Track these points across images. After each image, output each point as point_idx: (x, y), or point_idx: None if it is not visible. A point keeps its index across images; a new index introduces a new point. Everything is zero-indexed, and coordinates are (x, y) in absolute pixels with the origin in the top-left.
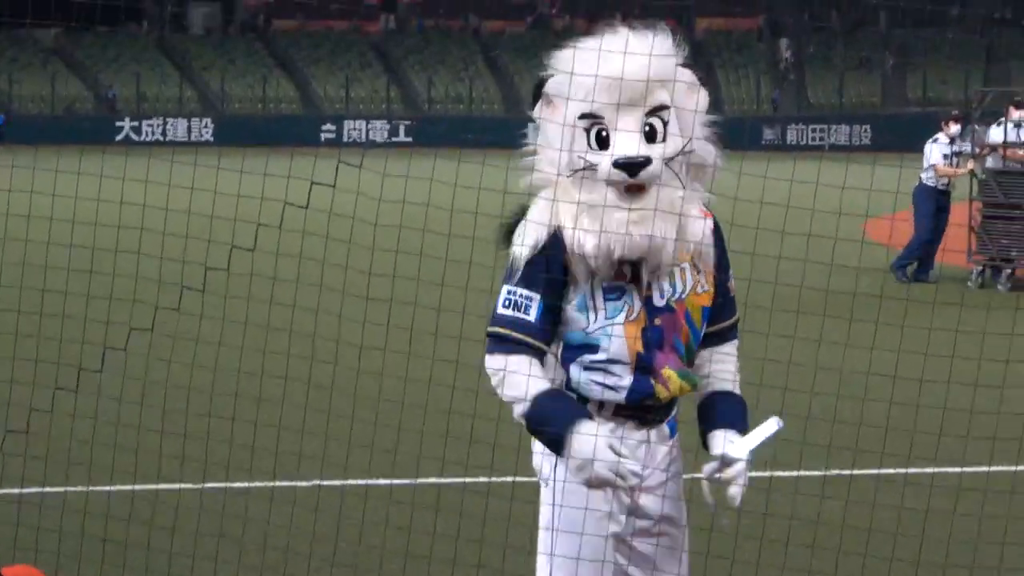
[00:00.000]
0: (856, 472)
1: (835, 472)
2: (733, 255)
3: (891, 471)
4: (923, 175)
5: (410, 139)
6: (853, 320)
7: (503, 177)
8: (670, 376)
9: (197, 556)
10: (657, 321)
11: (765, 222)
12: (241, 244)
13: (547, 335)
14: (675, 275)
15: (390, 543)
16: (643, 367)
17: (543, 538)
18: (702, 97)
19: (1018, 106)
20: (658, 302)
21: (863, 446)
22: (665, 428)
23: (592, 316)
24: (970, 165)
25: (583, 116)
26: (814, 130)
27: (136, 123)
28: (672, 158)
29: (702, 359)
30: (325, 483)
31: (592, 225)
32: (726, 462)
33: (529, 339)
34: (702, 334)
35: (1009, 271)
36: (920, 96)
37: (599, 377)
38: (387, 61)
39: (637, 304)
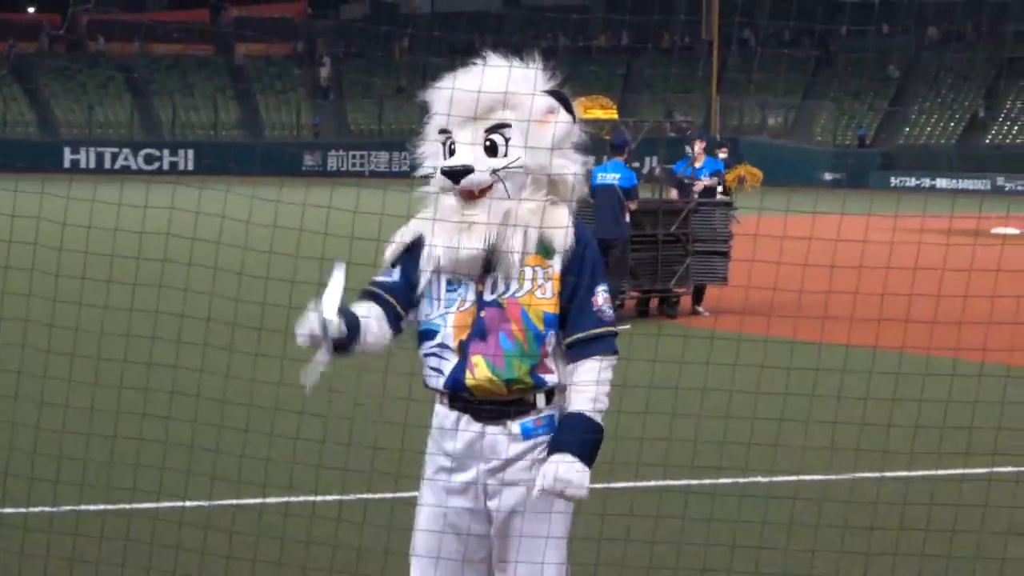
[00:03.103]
0: None
1: None
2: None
3: None
4: None
5: None
6: None
7: (37, 203)
8: (477, 363)
9: None
10: (483, 313)
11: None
12: None
13: (397, 292)
14: (519, 275)
15: None
16: (463, 354)
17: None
18: (559, 125)
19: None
20: (488, 296)
21: None
22: (515, 428)
23: (434, 304)
24: None
25: (440, 131)
26: (354, 156)
27: None
28: (501, 169)
29: (568, 372)
30: None
31: (437, 233)
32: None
33: (379, 290)
34: (545, 336)
35: (618, 303)
36: None
37: (433, 362)
38: None
39: (470, 297)
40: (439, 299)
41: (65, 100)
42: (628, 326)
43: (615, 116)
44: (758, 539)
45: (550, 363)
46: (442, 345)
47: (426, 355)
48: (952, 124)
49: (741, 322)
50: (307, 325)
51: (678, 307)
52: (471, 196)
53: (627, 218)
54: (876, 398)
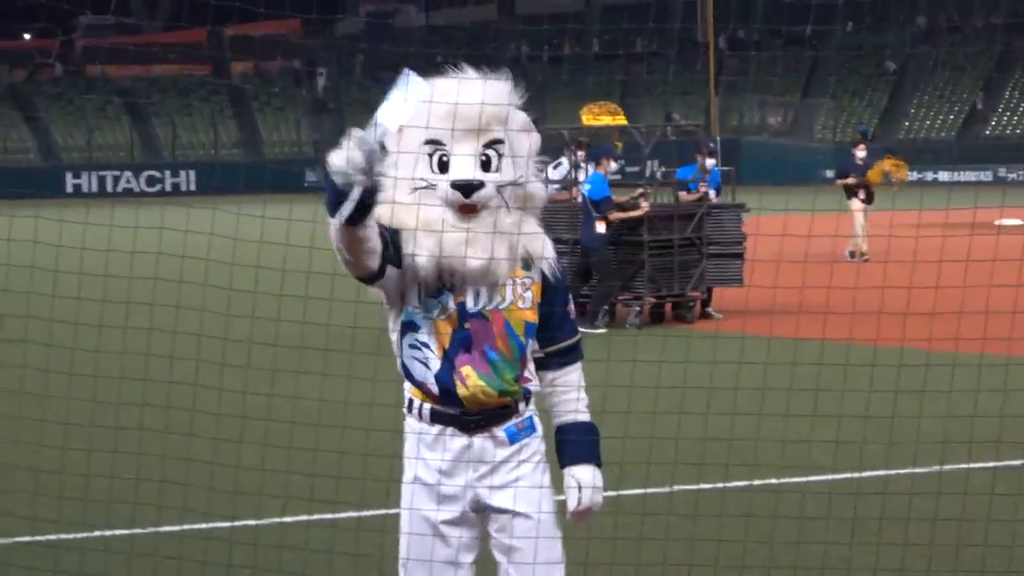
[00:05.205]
0: None
1: None
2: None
3: None
4: None
5: None
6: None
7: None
8: (468, 374)
9: None
10: (467, 325)
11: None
12: None
13: (389, 241)
14: (500, 288)
15: None
16: (448, 362)
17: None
18: (534, 138)
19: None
20: (471, 307)
21: None
22: (500, 433)
23: (417, 301)
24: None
25: (427, 142)
26: None
27: None
28: (504, 185)
29: (549, 380)
30: None
31: (427, 240)
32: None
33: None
34: (526, 346)
35: (637, 308)
36: None
37: (419, 355)
38: None
39: (451, 306)
40: (421, 301)
41: (64, 125)
42: (604, 330)
43: (624, 122)
44: (769, 535)
45: (530, 371)
46: (425, 344)
47: (411, 345)
48: (952, 117)
49: (744, 324)
50: (353, 155)
51: (694, 311)
52: (472, 211)
53: (599, 228)
54: (879, 390)
